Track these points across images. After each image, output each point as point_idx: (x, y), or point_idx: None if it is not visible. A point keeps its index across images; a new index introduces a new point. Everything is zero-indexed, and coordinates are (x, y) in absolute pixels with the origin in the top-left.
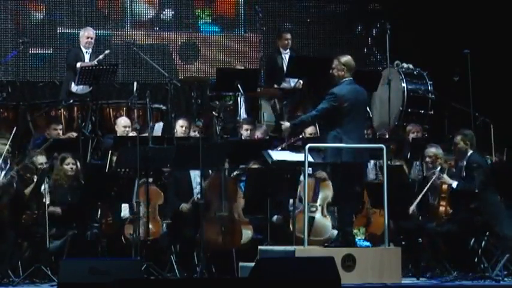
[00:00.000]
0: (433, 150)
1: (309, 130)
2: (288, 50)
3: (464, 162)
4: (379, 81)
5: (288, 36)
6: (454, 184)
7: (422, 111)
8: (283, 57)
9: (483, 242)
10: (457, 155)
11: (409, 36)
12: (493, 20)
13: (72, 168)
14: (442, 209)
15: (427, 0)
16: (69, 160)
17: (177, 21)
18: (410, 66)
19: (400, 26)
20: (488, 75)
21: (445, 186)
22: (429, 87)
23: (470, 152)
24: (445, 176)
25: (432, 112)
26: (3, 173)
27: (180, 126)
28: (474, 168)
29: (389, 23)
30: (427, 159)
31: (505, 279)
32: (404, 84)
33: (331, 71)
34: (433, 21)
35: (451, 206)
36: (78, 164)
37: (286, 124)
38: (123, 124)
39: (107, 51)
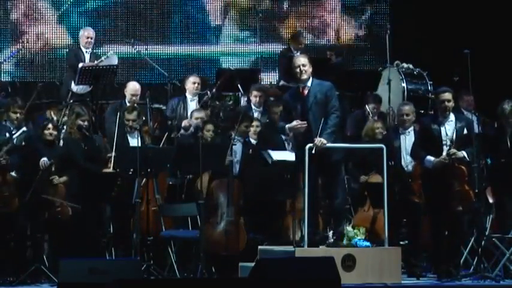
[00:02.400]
0: (407, 108)
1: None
2: (299, 52)
3: (454, 124)
4: (379, 81)
5: (303, 40)
6: (465, 154)
7: (422, 111)
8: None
9: (483, 242)
10: (444, 113)
11: (409, 36)
12: (493, 20)
13: (85, 126)
14: (469, 193)
15: (427, 0)
16: (85, 117)
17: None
18: (410, 66)
19: (400, 26)
20: (488, 75)
21: (463, 169)
22: (429, 87)
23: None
24: (454, 150)
25: (432, 112)
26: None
27: (193, 83)
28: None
29: (390, 23)
30: (402, 117)
31: (505, 279)
32: (404, 84)
33: (306, 69)
34: (433, 21)
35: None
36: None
37: (322, 141)
38: (132, 91)
39: (109, 53)
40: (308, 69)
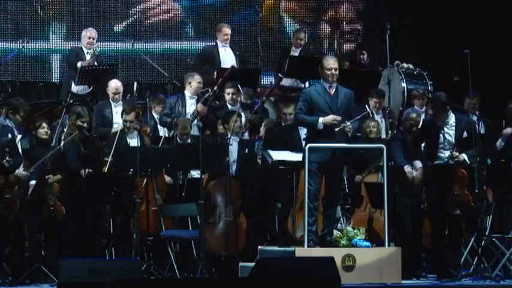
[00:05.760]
0: (414, 115)
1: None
2: (298, 50)
3: (454, 126)
4: (379, 81)
5: (302, 35)
6: (466, 158)
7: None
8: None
9: (483, 242)
10: (441, 118)
11: (409, 36)
12: (493, 20)
13: (84, 127)
14: (468, 197)
15: (427, 0)
16: (85, 119)
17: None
18: (410, 66)
19: (400, 26)
20: (488, 75)
21: (464, 172)
22: (429, 87)
23: (450, 112)
24: (456, 153)
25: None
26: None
27: (198, 82)
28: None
29: (389, 23)
30: (407, 123)
31: (505, 279)
32: (404, 84)
33: (337, 73)
34: (433, 21)
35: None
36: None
37: (347, 124)
38: (112, 90)
39: (96, 44)
40: (337, 73)
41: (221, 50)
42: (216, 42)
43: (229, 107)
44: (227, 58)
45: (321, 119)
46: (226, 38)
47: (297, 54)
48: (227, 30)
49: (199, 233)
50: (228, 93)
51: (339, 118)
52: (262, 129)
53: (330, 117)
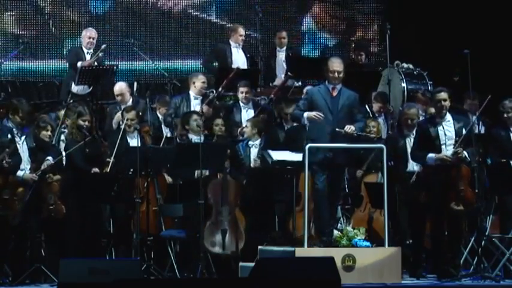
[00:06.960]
0: (413, 110)
1: None
2: (283, 49)
3: (452, 124)
4: (379, 81)
5: (283, 34)
6: (466, 155)
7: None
8: (277, 56)
9: (483, 242)
10: (441, 113)
11: (409, 36)
12: (493, 20)
13: (86, 126)
14: (472, 194)
15: (427, 0)
16: (86, 118)
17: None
18: (410, 66)
19: (400, 26)
20: (488, 75)
21: (468, 169)
22: (429, 87)
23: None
24: (460, 149)
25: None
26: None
27: (202, 82)
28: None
29: (389, 23)
30: (404, 117)
31: (505, 279)
32: (404, 84)
33: (340, 76)
34: (433, 21)
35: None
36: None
37: (351, 127)
38: (116, 92)
39: (103, 46)
40: (342, 75)
41: (234, 50)
42: (229, 42)
43: (243, 106)
44: (238, 59)
45: (305, 114)
46: (241, 39)
47: (283, 53)
48: (242, 31)
49: (199, 232)
50: (242, 92)
51: (321, 115)
52: (248, 130)
53: (313, 113)
